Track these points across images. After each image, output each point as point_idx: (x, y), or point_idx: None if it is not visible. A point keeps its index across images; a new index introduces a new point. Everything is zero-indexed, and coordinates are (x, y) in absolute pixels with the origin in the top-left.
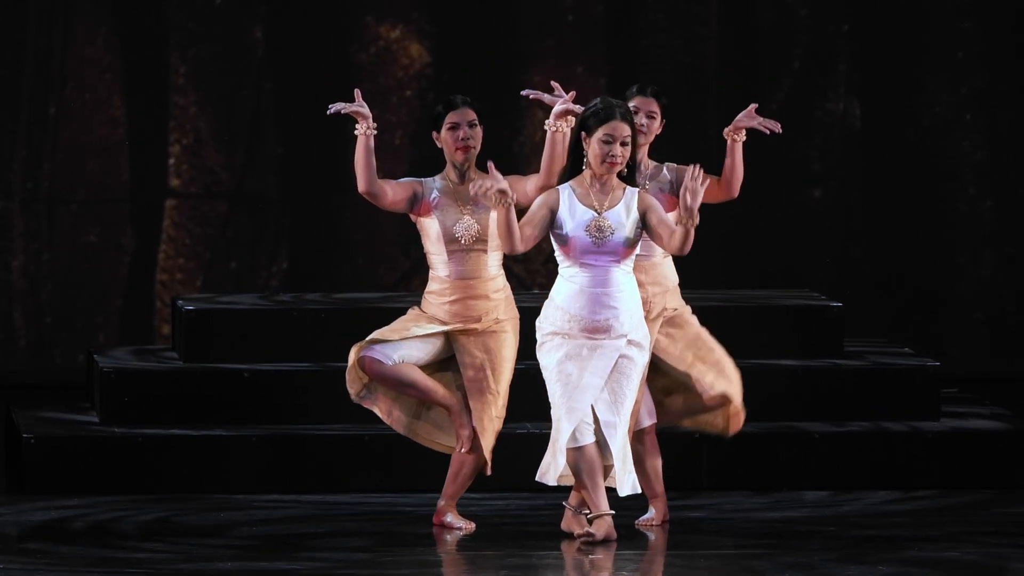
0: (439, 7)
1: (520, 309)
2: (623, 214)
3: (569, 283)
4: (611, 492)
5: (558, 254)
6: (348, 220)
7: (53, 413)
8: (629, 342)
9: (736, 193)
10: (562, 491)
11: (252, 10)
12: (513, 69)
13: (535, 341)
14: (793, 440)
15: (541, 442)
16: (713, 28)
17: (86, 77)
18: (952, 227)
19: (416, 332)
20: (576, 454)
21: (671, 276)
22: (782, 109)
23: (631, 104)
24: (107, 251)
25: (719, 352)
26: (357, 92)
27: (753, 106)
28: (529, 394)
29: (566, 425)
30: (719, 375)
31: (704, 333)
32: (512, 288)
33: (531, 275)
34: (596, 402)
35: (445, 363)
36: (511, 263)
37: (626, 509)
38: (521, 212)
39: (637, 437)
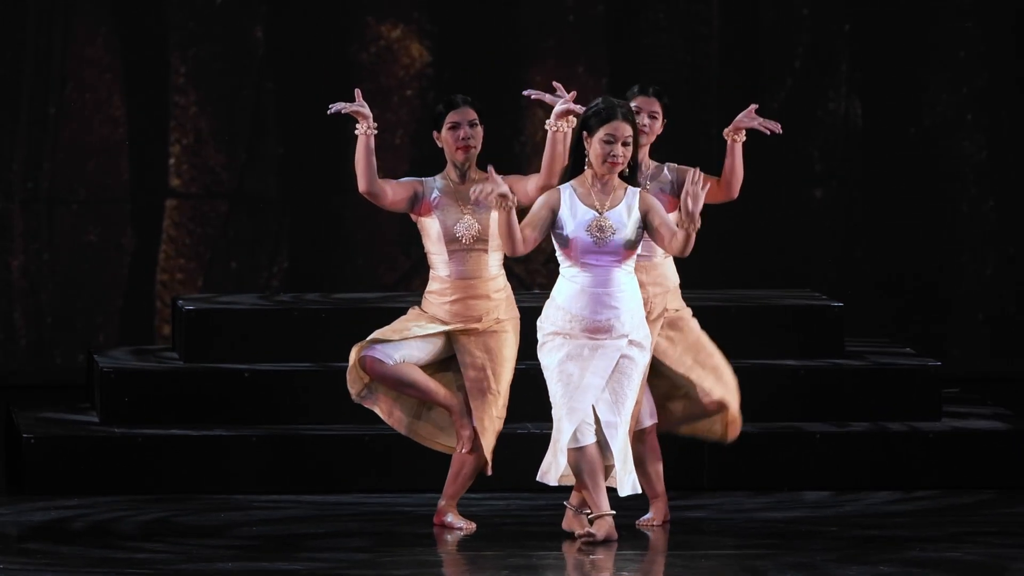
0: (440, 7)
1: (521, 309)
2: (624, 214)
3: (570, 283)
4: (611, 492)
5: (559, 254)
6: (348, 220)
7: (53, 413)
8: (630, 342)
9: (736, 194)
10: (562, 491)
11: (252, 10)
12: (513, 69)
13: (536, 341)
14: (794, 440)
15: (542, 442)
16: (714, 27)
17: (86, 77)
18: (953, 227)
19: (417, 332)
20: (577, 454)
21: (672, 277)
22: (783, 109)
23: (633, 104)
24: (107, 251)
25: (718, 358)
26: (357, 92)
27: (753, 107)
28: (530, 394)
29: (567, 425)
30: (717, 381)
31: (704, 338)
32: (513, 288)
33: (532, 275)
34: (597, 402)
35: (446, 363)
36: (511, 263)
37: (627, 509)
38: (522, 212)
39: (638, 437)
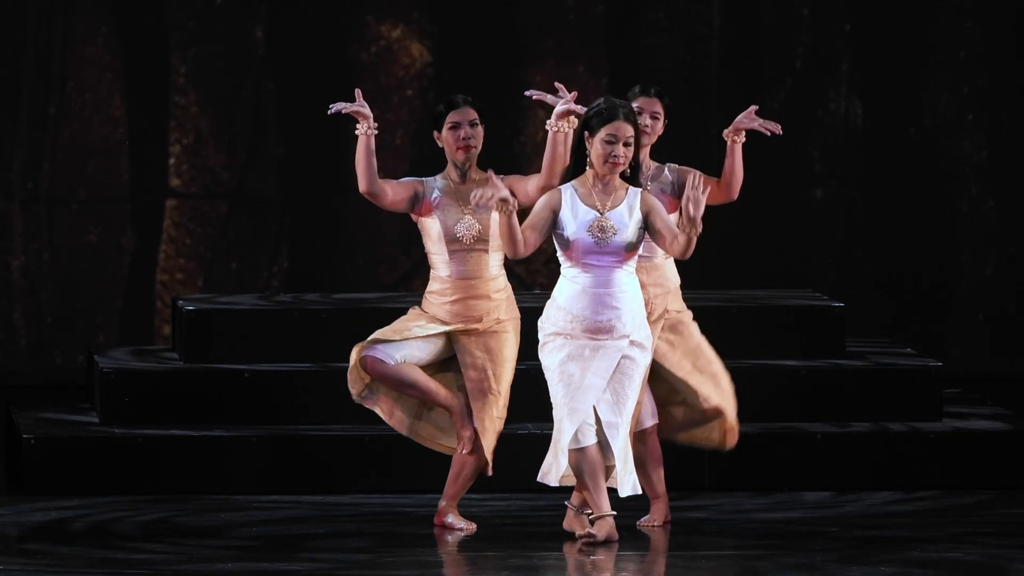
0: (440, 7)
1: (521, 309)
2: (626, 214)
3: (572, 283)
4: (612, 493)
5: (560, 255)
6: (349, 220)
7: (53, 413)
8: (631, 343)
9: (735, 195)
10: (563, 491)
11: (252, 10)
12: (513, 69)
13: (536, 341)
14: (794, 440)
15: (542, 442)
16: (714, 27)
17: (86, 77)
18: (954, 227)
19: (418, 332)
20: (578, 455)
21: (672, 277)
22: (783, 109)
23: (635, 104)
24: (107, 251)
25: (716, 365)
26: (358, 92)
27: (753, 108)
28: (530, 394)
29: (568, 426)
30: (715, 388)
31: (704, 344)
32: (513, 288)
33: (532, 275)
34: (598, 403)
35: (446, 363)
36: (512, 263)
37: (628, 510)
38: (523, 212)
39: (639, 438)
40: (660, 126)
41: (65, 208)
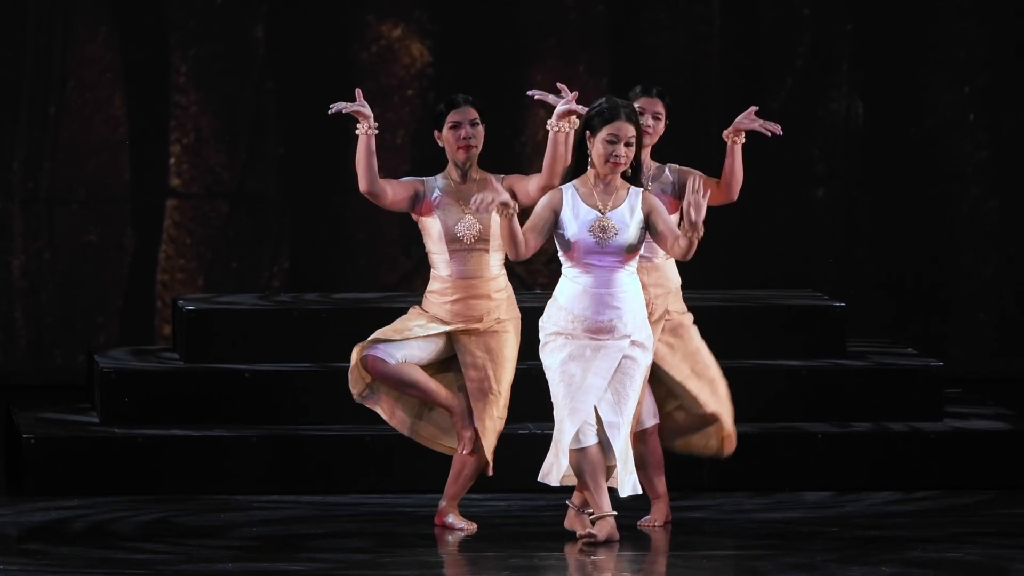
0: (440, 6)
1: (521, 309)
2: (627, 215)
3: (573, 283)
4: (612, 492)
5: (561, 256)
6: (349, 220)
7: (53, 413)
8: (632, 343)
9: (735, 196)
10: (563, 491)
11: (253, 9)
12: (514, 69)
13: (537, 341)
14: (795, 440)
15: (543, 442)
16: (715, 27)
17: (86, 76)
18: (955, 227)
19: (418, 332)
20: (579, 455)
21: (673, 278)
22: (784, 108)
23: (636, 105)
24: (107, 251)
25: (714, 371)
26: (358, 91)
27: (753, 108)
28: (531, 394)
29: (569, 426)
30: (712, 394)
31: (704, 348)
32: (513, 288)
33: (533, 275)
34: (599, 403)
35: (446, 363)
36: (512, 263)
37: (628, 510)
38: (523, 211)
39: (639, 438)
40: (662, 126)
41: (65, 208)
